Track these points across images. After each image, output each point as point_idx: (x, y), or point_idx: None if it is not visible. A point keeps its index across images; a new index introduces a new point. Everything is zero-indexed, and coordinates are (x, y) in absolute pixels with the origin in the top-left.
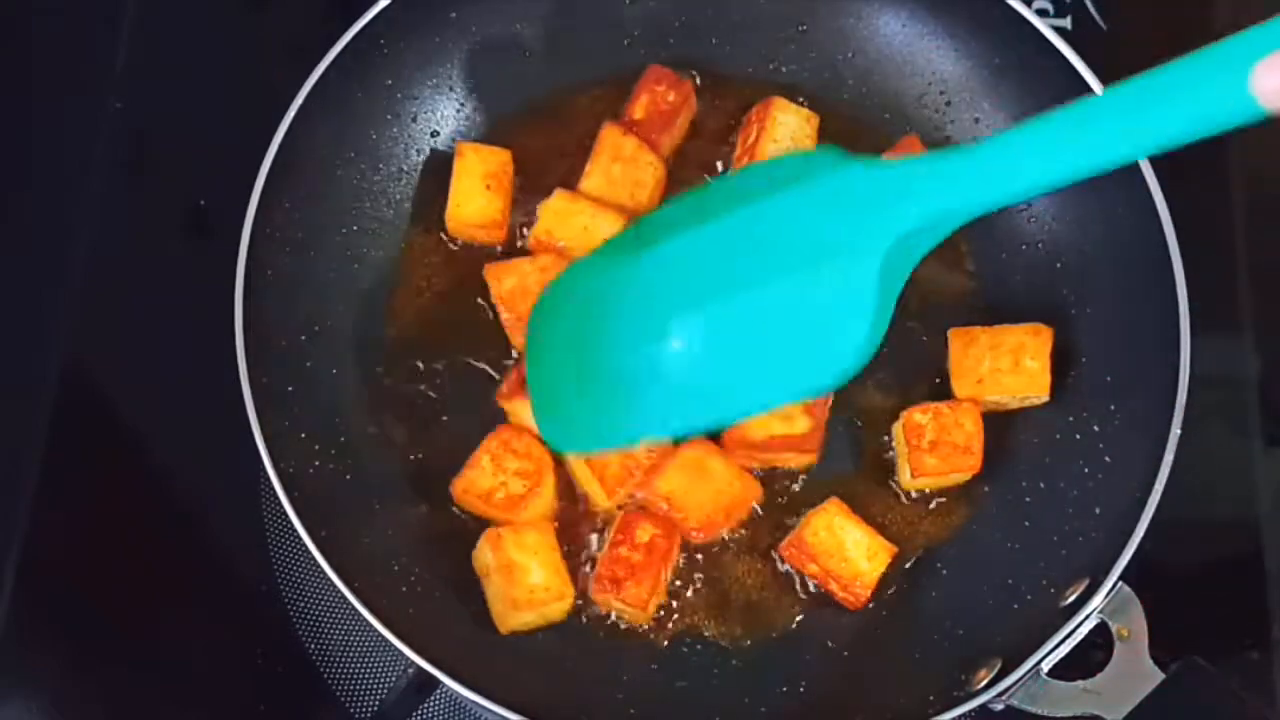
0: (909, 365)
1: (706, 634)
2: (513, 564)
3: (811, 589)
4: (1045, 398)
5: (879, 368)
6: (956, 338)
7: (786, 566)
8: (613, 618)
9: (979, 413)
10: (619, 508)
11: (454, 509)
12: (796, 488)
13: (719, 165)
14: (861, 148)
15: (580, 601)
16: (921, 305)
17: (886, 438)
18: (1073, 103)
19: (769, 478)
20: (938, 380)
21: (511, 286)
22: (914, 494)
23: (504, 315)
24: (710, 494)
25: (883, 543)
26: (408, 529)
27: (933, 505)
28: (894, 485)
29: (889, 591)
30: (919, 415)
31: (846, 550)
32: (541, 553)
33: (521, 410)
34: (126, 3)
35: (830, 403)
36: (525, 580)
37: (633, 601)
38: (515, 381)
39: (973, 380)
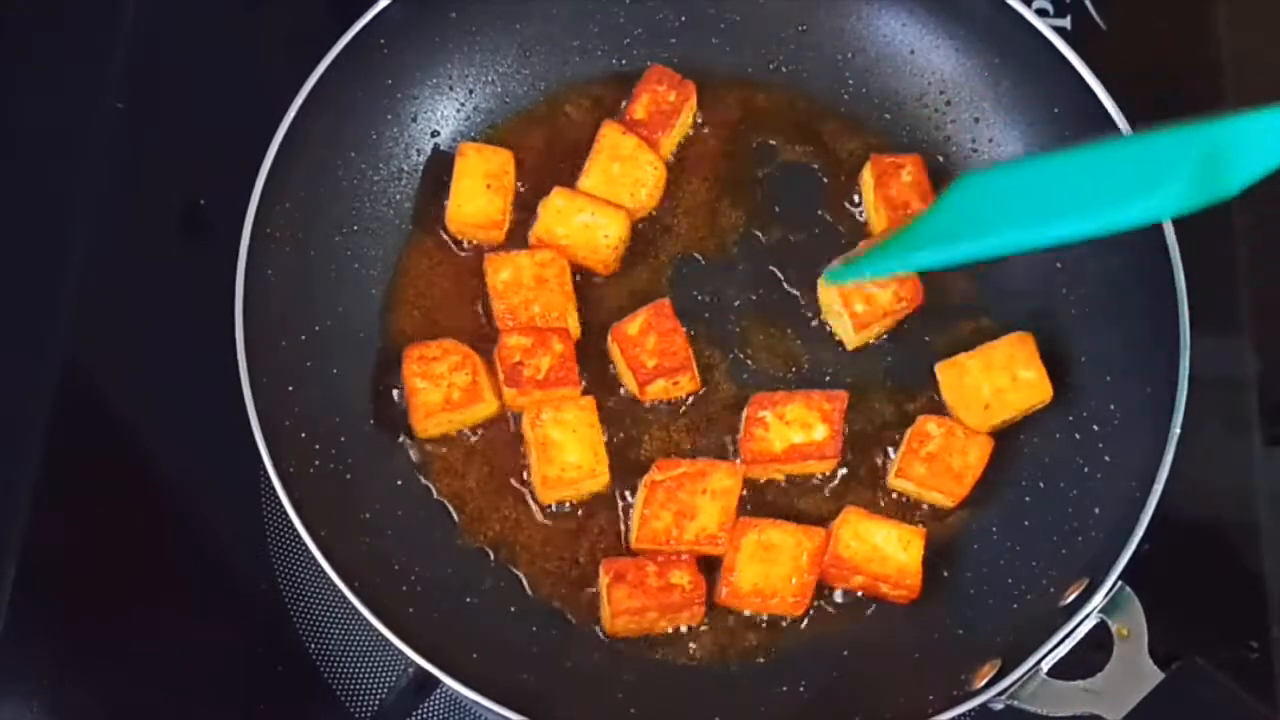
0: (909, 365)
1: (707, 636)
2: (549, 441)
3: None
4: (1049, 399)
5: (876, 368)
6: (944, 372)
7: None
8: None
9: (990, 449)
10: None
11: (449, 505)
12: (792, 491)
13: (719, 165)
14: (861, 147)
15: (581, 600)
16: (921, 305)
17: (894, 441)
18: None
19: (760, 486)
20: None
21: (506, 279)
22: (907, 496)
23: (496, 306)
24: (790, 566)
25: (910, 529)
26: (408, 529)
27: (930, 507)
28: (890, 486)
29: None
30: (933, 425)
31: (882, 549)
32: (580, 430)
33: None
34: (126, 3)
35: (845, 410)
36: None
37: (622, 611)
38: (504, 371)
39: (979, 409)
